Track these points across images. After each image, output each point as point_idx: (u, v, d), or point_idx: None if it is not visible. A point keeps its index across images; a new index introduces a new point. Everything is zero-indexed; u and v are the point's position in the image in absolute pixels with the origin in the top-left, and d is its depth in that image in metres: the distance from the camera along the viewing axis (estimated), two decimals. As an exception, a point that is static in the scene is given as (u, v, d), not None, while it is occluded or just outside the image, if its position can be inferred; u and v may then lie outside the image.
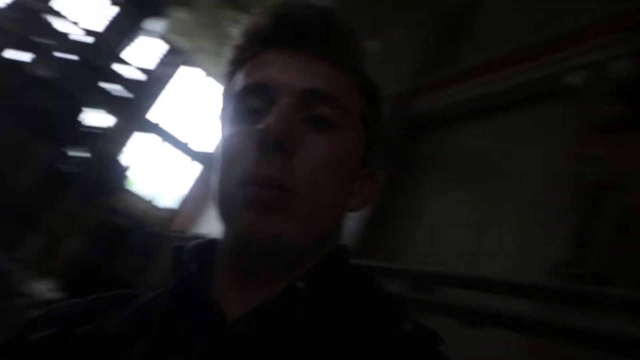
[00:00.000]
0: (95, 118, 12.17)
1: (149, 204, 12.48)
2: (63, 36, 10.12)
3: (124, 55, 11.13)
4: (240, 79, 0.49)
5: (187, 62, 14.28)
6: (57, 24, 9.90)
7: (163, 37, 13.93)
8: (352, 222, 4.47)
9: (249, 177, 0.43)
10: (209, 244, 0.51)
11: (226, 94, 0.51)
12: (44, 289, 7.90)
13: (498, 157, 3.31)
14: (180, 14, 11.00)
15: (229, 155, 0.45)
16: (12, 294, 5.37)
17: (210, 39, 14.33)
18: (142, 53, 12.50)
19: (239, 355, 0.38)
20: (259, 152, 0.43)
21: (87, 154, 10.60)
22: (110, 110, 12.30)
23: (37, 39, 9.52)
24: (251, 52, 0.50)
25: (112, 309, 0.49)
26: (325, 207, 0.46)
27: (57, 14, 9.94)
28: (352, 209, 0.52)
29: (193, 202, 12.55)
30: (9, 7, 10.45)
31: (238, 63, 0.51)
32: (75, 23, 10.38)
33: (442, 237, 3.38)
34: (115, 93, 11.48)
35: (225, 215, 0.45)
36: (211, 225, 10.39)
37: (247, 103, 0.47)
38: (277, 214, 0.42)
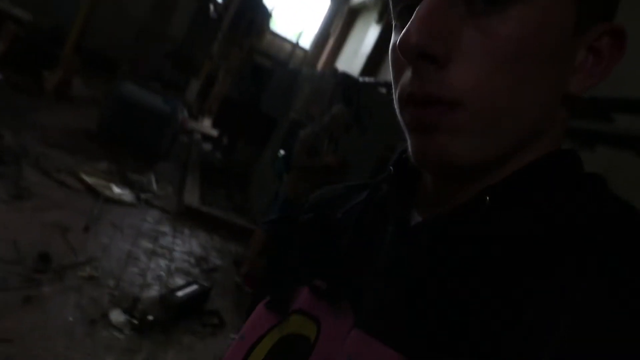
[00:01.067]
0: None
1: (290, 43, 12.71)
2: None
3: None
4: None
5: None
6: None
7: None
8: None
9: (404, 99, 0.38)
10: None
11: None
12: (204, 125, 9.12)
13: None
14: None
15: (391, 70, 0.41)
16: (180, 130, 6.26)
17: None
18: None
19: (409, 260, 0.40)
20: (408, 67, 0.38)
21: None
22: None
23: None
24: None
25: (351, 196, 0.54)
26: (508, 110, 0.37)
27: None
28: (577, 91, 0.39)
29: (327, 39, 12.34)
30: None
31: None
32: None
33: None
34: None
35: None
36: (345, 60, 10.20)
37: (400, 2, 0.40)
38: (441, 133, 0.37)
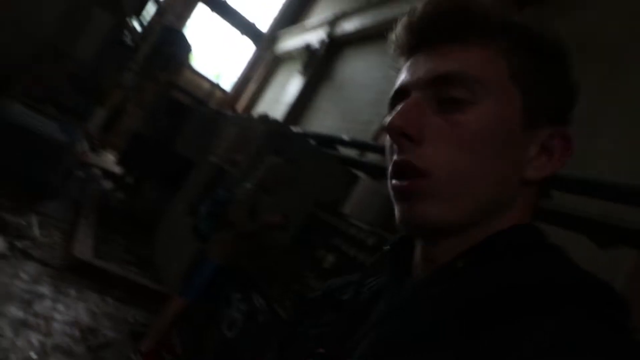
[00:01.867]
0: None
1: (209, 82, 12.28)
2: None
3: None
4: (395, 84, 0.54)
5: None
6: None
7: None
8: None
9: (391, 169, 0.48)
10: None
11: None
12: (106, 160, 8.18)
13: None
14: None
15: (385, 160, 0.52)
16: (76, 163, 5.44)
17: None
18: None
19: (403, 310, 0.47)
20: (393, 145, 0.49)
21: (147, 25, 10.21)
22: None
23: None
24: (400, 59, 0.55)
25: (356, 283, 0.60)
26: (467, 181, 0.46)
27: None
28: (532, 178, 0.49)
29: (247, 83, 12.17)
30: None
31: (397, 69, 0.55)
32: None
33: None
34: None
35: None
36: (266, 106, 10.04)
37: (394, 105, 0.51)
38: (418, 200, 0.46)
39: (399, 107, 0.47)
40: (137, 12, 9.90)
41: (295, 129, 5.54)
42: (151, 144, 6.72)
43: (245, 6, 13.15)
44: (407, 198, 0.47)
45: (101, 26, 9.31)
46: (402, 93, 0.50)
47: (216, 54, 13.34)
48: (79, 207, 4.99)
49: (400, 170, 0.47)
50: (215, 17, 12.96)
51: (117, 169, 7.33)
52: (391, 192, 0.49)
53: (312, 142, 4.89)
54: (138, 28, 10.01)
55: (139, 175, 6.54)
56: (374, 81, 6.37)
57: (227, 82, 12.95)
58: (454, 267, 0.46)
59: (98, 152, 8.45)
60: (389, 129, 0.47)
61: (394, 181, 0.48)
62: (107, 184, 6.99)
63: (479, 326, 0.40)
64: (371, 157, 4.67)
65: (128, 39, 9.48)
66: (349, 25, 7.79)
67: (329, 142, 5.14)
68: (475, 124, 0.46)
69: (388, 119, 0.48)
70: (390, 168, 0.49)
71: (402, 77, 0.51)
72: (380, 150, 3.79)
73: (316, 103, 8.00)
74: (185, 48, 11.62)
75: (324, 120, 7.28)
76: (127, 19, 9.61)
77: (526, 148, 0.48)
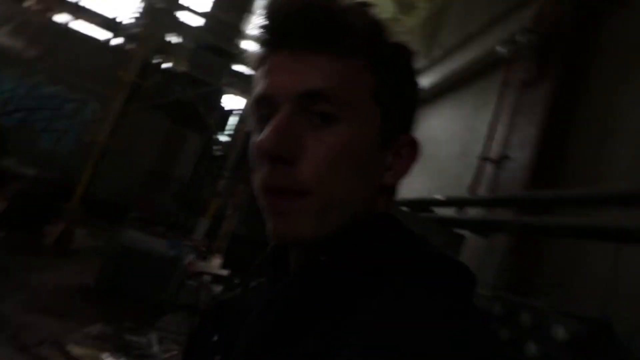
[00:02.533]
0: (234, 99, 12.76)
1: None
2: (190, 28, 10.58)
3: (245, 31, 11.25)
4: (254, 88, 0.52)
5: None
6: (183, 16, 10.36)
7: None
8: (518, 153, 3.69)
9: (262, 187, 0.48)
10: None
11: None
12: (214, 265, 8.58)
13: None
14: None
15: (251, 163, 0.51)
16: (186, 274, 5.74)
17: None
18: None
19: (279, 298, 0.49)
20: (264, 164, 0.48)
21: (233, 134, 11.15)
22: (244, 90, 12.73)
23: (169, 37, 10.08)
24: (261, 56, 0.52)
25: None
26: (340, 196, 0.48)
27: (181, 7, 10.36)
28: (389, 183, 0.53)
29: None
30: (140, 15, 11.30)
31: (255, 68, 0.53)
32: (196, 12, 10.74)
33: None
34: (246, 72, 11.77)
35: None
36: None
37: (258, 112, 0.51)
38: (290, 216, 0.47)
39: (270, 124, 0.46)
40: (222, 127, 10.91)
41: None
42: (249, 242, 6.95)
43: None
44: (283, 214, 0.47)
45: (194, 146, 10.34)
46: (269, 100, 0.49)
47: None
48: (193, 315, 5.14)
49: (277, 191, 0.47)
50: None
51: (224, 272, 7.62)
52: (262, 205, 0.49)
53: (405, 209, 4.69)
54: (225, 139, 10.96)
55: (243, 274, 6.71)
56: (455, 134, 6.13)
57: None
58: (318, 261, 0.48)
59: (206, 259, 8.93)
60: (258, 153, 0.47)
61: (267, 195, 0.48)
62: (217, 288, 7.24)
63: (321, 318, 0.43)
64: (472, 212, 4.33)
65: (217, 151, 10.38)
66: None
67: (423, 205, 4.89)
68: (343, 144, 0.47)
69: (258, 137, 0.48)
70: (261, 182, 0.48)
71: (266, 80, 0.49)
72: (481, 202, 3.47)
73: (401, 169, 7.85)
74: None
75: (411, 184, 7.06)
76: (214, 136, 10.60)
77: (384, 158, 0.52)
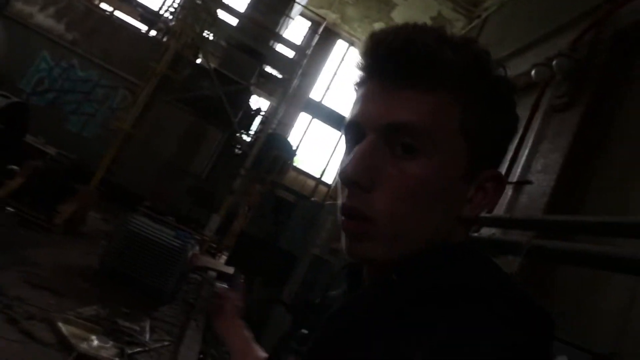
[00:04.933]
0: (260, 100, 12.80)
1: (313, 179, 12.73)
2: (225, 26, 10.69)
3: (279, 34, 11.30)
4: (350, 110, 0.56)
5: (336, 35, 13.85)
6: (219, 14, 10.47)
7: (310, 11, 13.92)
8: (540, 178, 3.52)
9: (340, 208, 0.54)
10: None
11: None
12: (221, 262, 8.53)
13: None
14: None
15: (337, 184, 0.58)
16: (188, 266, 5.69)
17: (356, 6, 13.80)
18: (294, 31, 12.59)
19: (350, 306, 0.55)
20: (345, 188, 0.53)
21: (255, 135, 11.15)
22: (274, 91, 12.76)
23: (202, 32, 10.19)
24: (359, 81, 0.56)
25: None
26: (409, 226, 0.51)
27: (219, 4, 10.46)
28: (468, 216, 0.54)
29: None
30: (179, 8, 11.48)
31: (354, 91, 0.58)
32: (232, 11, 10.84)
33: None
34: (276, 74, 11.80)
35: None
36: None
37: (347, 136, 0.55)
38: (360, 240, 0.52)
39: (355, 151, 0.51)
40: (246, 127, 10.91)
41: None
42: (257, 243, 6.87)
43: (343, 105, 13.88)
44: (355, 237, 0.52)
45: (215, 142, 10.38)
46: (356, 127, 0.53)
47: (319, 153, 13.99)
48: (191, 310, 5.07)
49: (349, 213, 0.52)
50: (316, 122, 13.81)
51: (229, 269, 7.55)
52: (341, 224, 0.53)
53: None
54: (247, 138, 10.97)
55: (247, 275, 6.62)
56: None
57: (330, 176, 13.31)
58: (389, 279, 0.52)
59: (215, 255, 8.89)
60: (341, 178, 0.51)
61: (343, 218, 0.53)
62: (221, 285, 7.17)
63: (397, 322, 0.48)
64: (485, 231, 4.15)
65: (238, 149, 10.38)
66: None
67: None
68: (421, 176, 0.50)
69: (344, 163, 0.53)
70: (341, 206, 0.53)
71: (357, 108, 0.54)
72: (495, 222, 3.30)
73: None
74: (289, 151, 12.37)
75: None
76: (237, 135, 10.61)
77: (465, 191, 0.54)
